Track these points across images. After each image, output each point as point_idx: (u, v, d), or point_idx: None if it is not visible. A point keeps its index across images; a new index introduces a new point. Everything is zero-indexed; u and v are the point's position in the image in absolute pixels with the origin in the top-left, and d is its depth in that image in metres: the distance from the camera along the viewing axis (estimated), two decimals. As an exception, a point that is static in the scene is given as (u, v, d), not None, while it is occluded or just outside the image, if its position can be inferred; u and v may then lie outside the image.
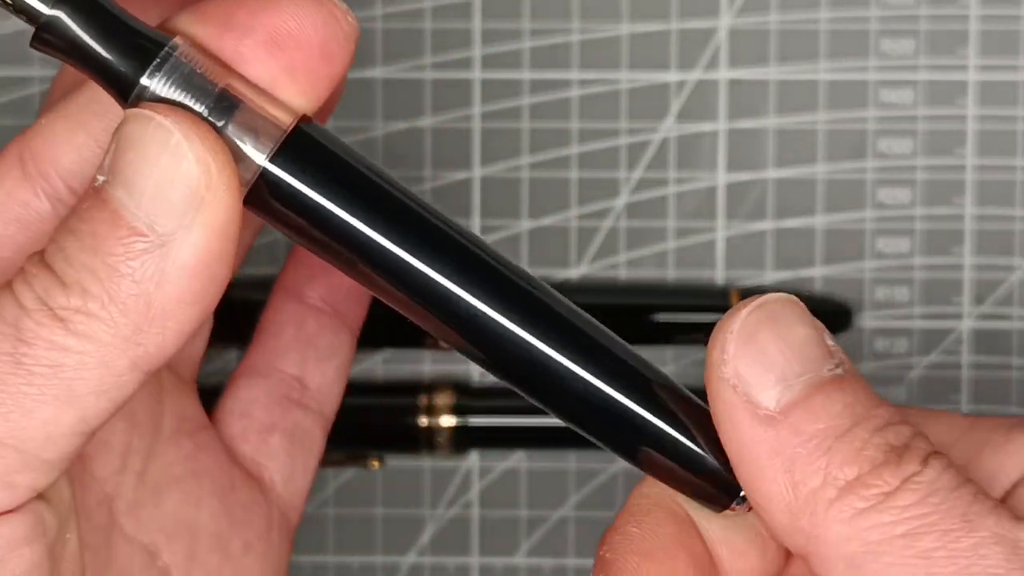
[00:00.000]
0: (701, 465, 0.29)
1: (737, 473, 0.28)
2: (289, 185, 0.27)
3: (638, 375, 0.29)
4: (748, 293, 0.45)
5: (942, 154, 0.45)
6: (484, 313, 0.28)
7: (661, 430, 0.29)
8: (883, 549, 0.26)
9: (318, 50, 0.27)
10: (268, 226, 0.28)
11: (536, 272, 0.45)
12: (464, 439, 0.45)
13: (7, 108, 0.45)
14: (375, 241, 0.27)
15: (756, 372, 0.28)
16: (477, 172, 0.45)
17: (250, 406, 0.37)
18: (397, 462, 0.46)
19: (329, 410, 0.38)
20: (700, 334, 0.45)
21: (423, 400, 0.45)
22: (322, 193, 0.27)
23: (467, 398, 0.45)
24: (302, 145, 0.27)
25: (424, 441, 0.45)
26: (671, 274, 0.45)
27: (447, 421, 0.45)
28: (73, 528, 0.29)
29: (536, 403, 0.29)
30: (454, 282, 0.27)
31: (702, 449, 0.29)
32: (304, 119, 0.27)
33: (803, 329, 0.28)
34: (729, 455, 0.28)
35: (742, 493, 0.29)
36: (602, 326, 0.30)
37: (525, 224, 0.45)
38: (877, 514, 0.27)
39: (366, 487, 0.46)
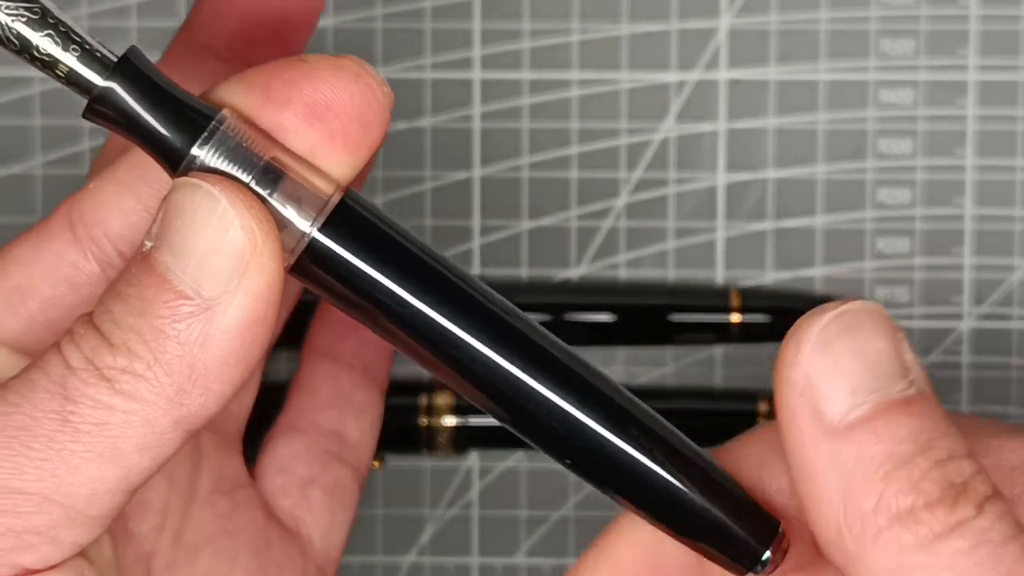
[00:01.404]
0: (728, 535, 0.29)
1: (793, 477, 0.28)
2: (334, 253, 0.28)
3: (692, 459, 0.30)
4: (748, 293, 0.45)
5: (942, 154, 0.45)
6: (528, 385, 0.28)
7: (696, 504, 0.29)
8: None
9: (355, 120, 0.28)
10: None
11: (536, 272, 0.45)
12: (464, 439, 0.45)
13: (7, 108, 0.45)
14: (413, 307, 0.28)
15: (827, 381, 0.27)
16: (477, 172, 0.45)
17: (291, 461, 0.38)
18: (397, 462, 0.46)
19: (364, 466, 0.39)
20: (700, 334, 0.45)
21: (423, 400, 0.45)
22: (365, 261, 0.28)
23: (467, 398, 0.45)
24: (346, 216, 0.28)
25: (424, 441, 0.45)
26: (671, 274, 0.45)
27: (447, 421, 0.45)
28: None
29: (580, 476, 0.30)
30: (491, 348, 0.28)
31: (731, 521, 0.29)
32: (346, 190, 0.28)
33: (881, 343, 0.28)
34: (788, 459, 0.28)
35: (764, 557, 0.29)
36: (659, 417, 0.30)
37: (525, 224, 0.45)
38: (923, 554, 0.26)
39: (366, 487, 0.46)
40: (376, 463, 0.45)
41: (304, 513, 0.37)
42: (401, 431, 0.45)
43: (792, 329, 0.28)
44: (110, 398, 0.27)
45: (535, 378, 0.28)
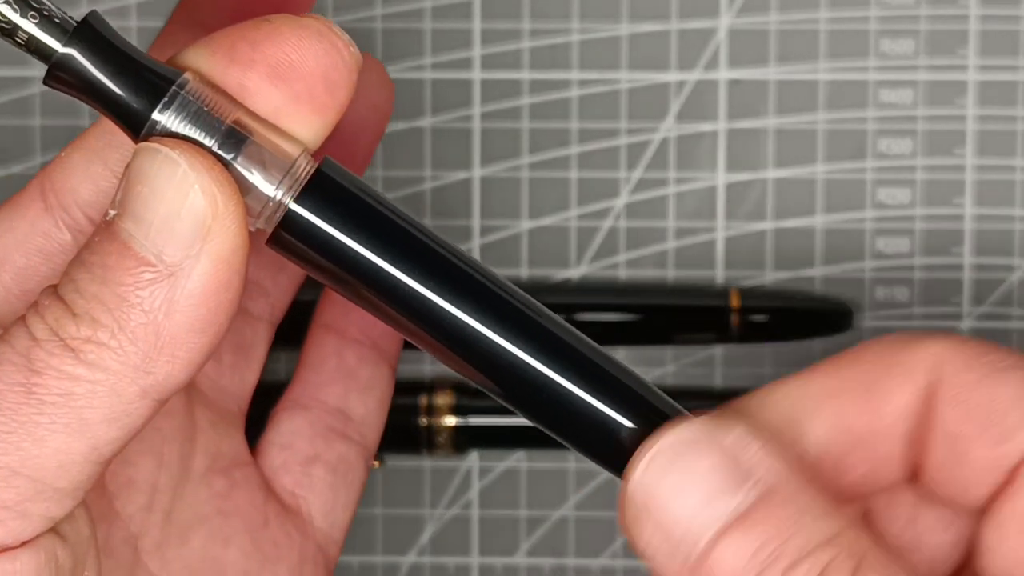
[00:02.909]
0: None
1: None
2: (308, 223, 0.27)
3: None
4: (748, 293, 0.45)
5: (942, 154, 0.45)
6: (506, 349, 0.28)
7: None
8: None
9: (320, 80, 0.28)
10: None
11: (536, 272, 0.45)
12: (464, 439, 0.45)
13: (7, 108, 0.45)
14: (397, 280, 0.28)
15: (660, 538, 0.27)
16: (477, 172, 0.45)
17: (293, 437, 0.37)
18: (397, 462, 0.46)
19: (371, 442, 0.38)
20: (700, 334, 0.45)
21: (423, 400, 0.45)
22: (342, 230, 0.28)
23: (467, 398, 0.45)
24: (321, 185, 0.28)
25: (424, 441, 0.45)
26: (671, 274, 0.45)
27: (447, 421, 0.45)
28: (92, 566, 0.29)
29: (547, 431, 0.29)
30: (458, 307, 0.28)
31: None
32: (320, 157, 0.28)
33: (705, 462, 0.28)
34: None
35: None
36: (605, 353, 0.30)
37: (525, 224, 0.45)
38: None
39: (366, 487, 0.46)
40: (376, 463, 0.45)
41: (305, 491, 0.37)
42: (401, 431, 0.45)
43: (625, 472, 0.28)
44: (74, 368, 0.26)
45: (526, 350, 0.28)
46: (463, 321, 0.28)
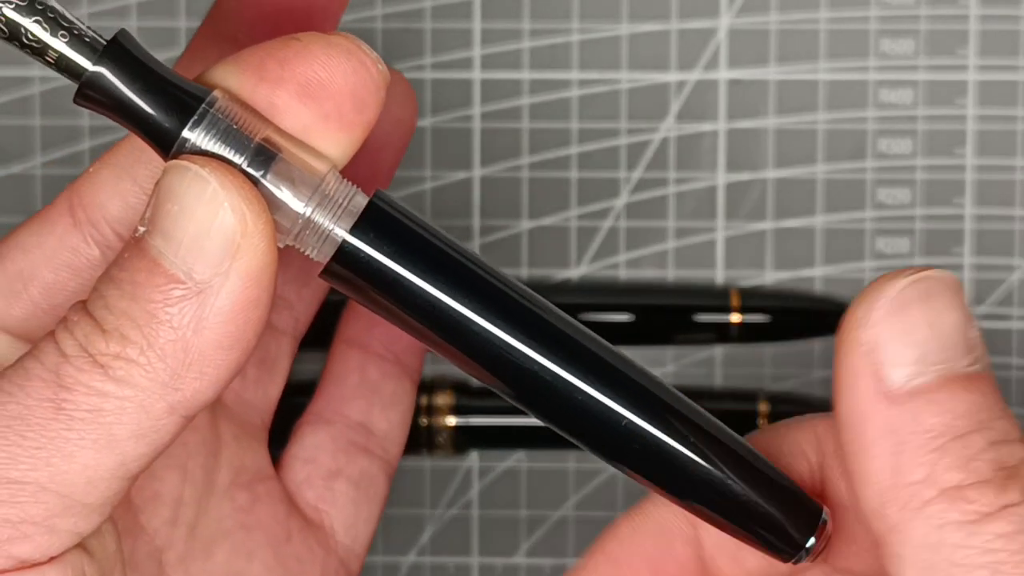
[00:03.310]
0: (772, 523, 0.29)
1: (843, 440, 0.28)
2: (361, 253, 0.27)
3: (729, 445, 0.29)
4: (748, 293, 0.45)
5: (942, 154, 0.45)
6: (553, 372, 0.29)
7: (731, 486, 0.29)
8: (961, 571, 0.26)
9: (349, 98, 0.28)
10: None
11: (536, 272, 0.45)
12: (464, 439, 0.45)
13: (7, 108, 0.45)
14: (443, 305, 0.28)
15: (896, 346, 0.27)
16: (477, 172, 0.45)
17: (316, 452, 0.37)
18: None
19: (394, 456, 0.38)
20: (700, 334, 0.45)
21: (423, 400, 0.45)
22: (395, 261, 0.28)
23: (467, 398, 0.45)
24: (375, 215, 0.28)
25: (424, 441, 0.45)
26: (671, 274, 0.45)
27: (447, 421, 0.45)
28: None
29: (631, 472, 0.29)
30: (485, 319, 0.28)
31: (771, 507, 0.29)
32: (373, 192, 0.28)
33: (954, 316, 0.27)
34: (840, 422, 0.28)
35: (808, 544, 0.29)
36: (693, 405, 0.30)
37: (525, 224, 0.45)
38: (967, 534, 0.26)
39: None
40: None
41: (328, 505, 0.37)
42: (401, 431, 0.45)
43: (864, 291, 0.27)
44: (103, 384, 0.26)
45: (578, 376, 0.28)
46: (513, 349, 0.28)
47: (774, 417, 0.45)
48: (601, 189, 0.45)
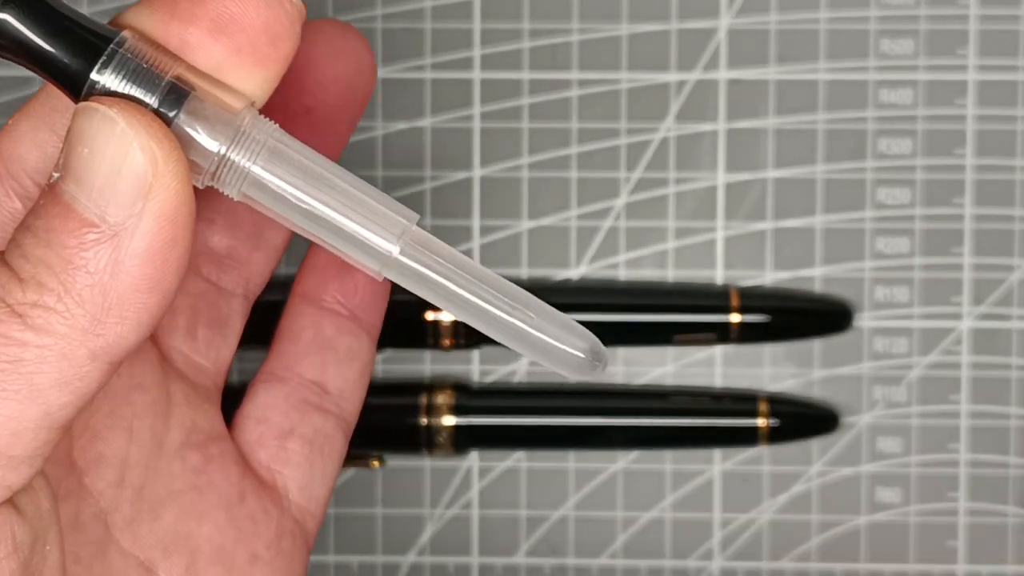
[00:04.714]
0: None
1: None
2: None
3: None
4: (748, 293, 0.45)
5: (942, 154, 0.45)
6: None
7: None
8: None
9: (262, 32, 0.27)
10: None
11: (536, 272, 0.45)
12: (464, 439, 0.45)
13: (7, 108, 0.45)
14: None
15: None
16: (477, 172, 0.45)
17: (268, 411, 0.37)
18: (397, 462, 0.46)
19: (350, 414, 0.38)
20: (700, 334, 0.45)
21: (423, 400, 0.45)
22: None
23: (467, 398, 0.45)
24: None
25: (424, 441, 0.45)
26: (671, 274, 0.45)
27: (447, 421, 0.45)
28: (55, 541, 0.29)
29: None
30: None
31: None
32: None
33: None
34: None
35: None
36: None
37: (525, 224, 0.45)
38: None
39: (366, 487, 0.46)
40: (375, 463, 0.45)
41: (281, 465, 0.36)
42: (401, 431, 0.45)
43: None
44: (22, 334, 0.26)
45: None
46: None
47: (774, 417, 0.45)
48: (601, 189, 0.45)
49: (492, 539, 0.46)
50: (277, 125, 0.28)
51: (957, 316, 0.45)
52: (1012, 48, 0.45)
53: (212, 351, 0.36)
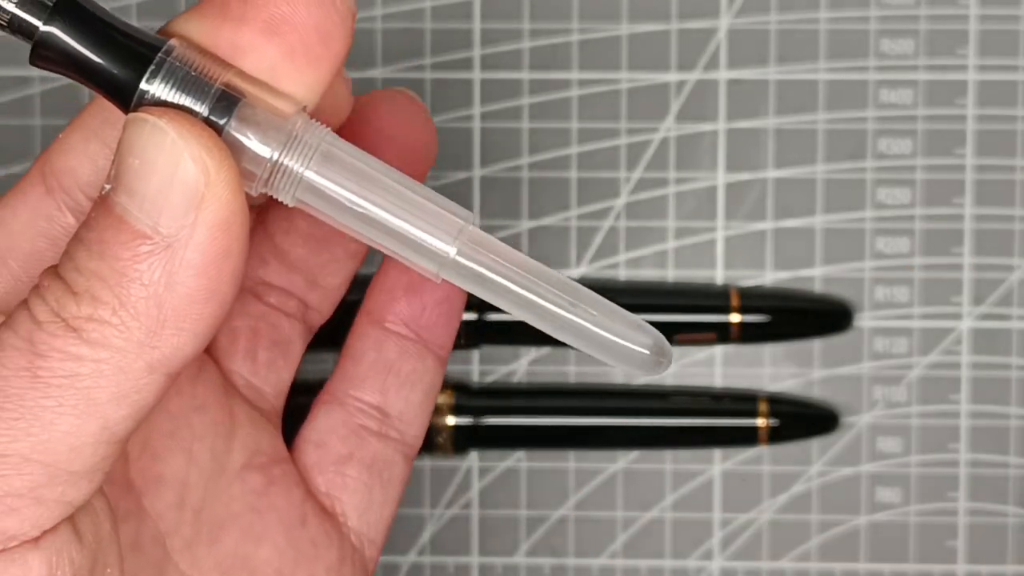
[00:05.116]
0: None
1: None
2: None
3: None
4: (748, 293, 0.45)
5: (942, 154, 0.45)
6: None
7: None
8: None
9: (314, 31, 0.27)
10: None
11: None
12: (464, 439, 0.45)
13: (7, 108, 0.45)
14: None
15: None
16: (477, 172, 0.45)
17: (327, 435, 0.36)
18: (397, 462, 0.46)
19: (413, 437, 0.37)
20: (700, 334, 0.45)
21: (423, 400, 0.45)
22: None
23: (467, 398, 0.45)
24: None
25: (424, 441, 0.45)
26: (671, 274, 0.45)
27: (447, 421, 0.45)
28: (115, 563, 0.29)
29: None
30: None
31: None
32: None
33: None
34: None
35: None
36: None
37: (525, 224, 0.45)
38: None
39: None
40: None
41: (339, 491, 0.36)
42: (401, 431, 0.45)
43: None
44: (78, 348, 0.26)
45: None
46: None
47: (774, 417, 0.45)
48: (601, 189, 0.45)
49: (492, 539, 0.46)
50: (329, 128, 0.27)
51: (957, 316, 0.45)
52: (1012, 48, 0.45)
53: (273, 374, 0.36)
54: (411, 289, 0.36)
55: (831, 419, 0.45)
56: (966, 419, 0.45)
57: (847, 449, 0.45)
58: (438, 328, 0.37)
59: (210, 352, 0.35)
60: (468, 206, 0.45)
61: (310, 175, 0.27)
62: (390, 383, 0.37)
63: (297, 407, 0.37)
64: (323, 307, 0.37)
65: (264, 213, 0.35)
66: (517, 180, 0.45)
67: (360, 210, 0.27)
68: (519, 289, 0.28)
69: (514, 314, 0.28)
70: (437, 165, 0.45)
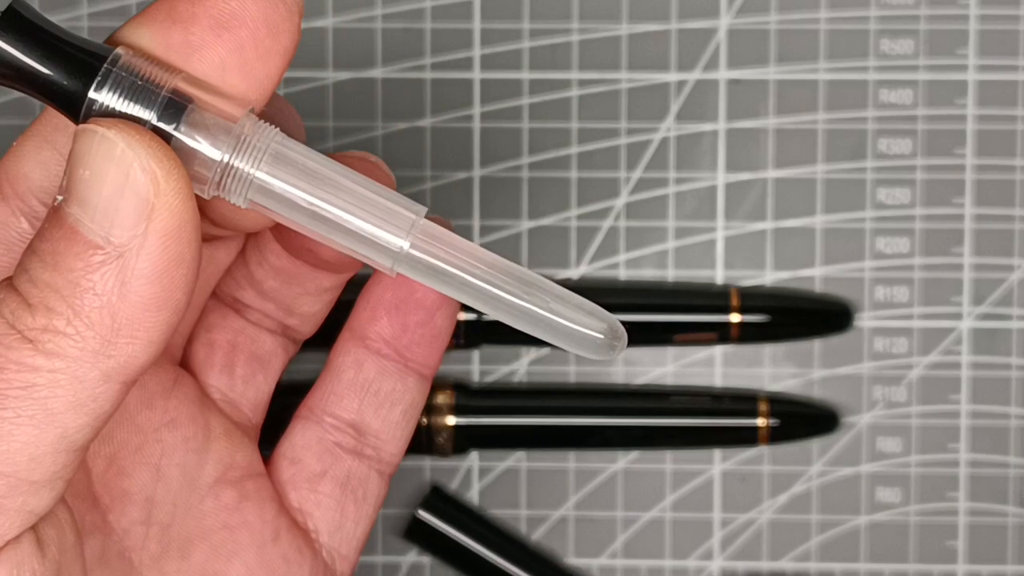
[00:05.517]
0: None
1: None
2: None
3: None
4: (748, 293, 0.45)
5: (942, 154, 0.45)
6: None
7: None
8: None
9: (263, 25, 0.27)
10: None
11: (536, 272, 0.45)
12: (464, 439, 0.45)
13: (7, 108, 0.45)
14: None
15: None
16: (477, 172, 0.45)
17: (302, 452, 0.36)
18: (397, 462, 0.46)
19: (390, 455, 0.37)
20: (700, 334, 0.45)
21: (423, 400, 0.45)
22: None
23: (467, 398, 0.45)
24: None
25: (424, 441, 0.45)
26: (671, 274, 0.45)
27: (447, 421, 0.45)
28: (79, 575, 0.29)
29: None
30: None
31: None
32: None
33: None
34: None
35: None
36: None
37: (525, 224, 0.45)
38: None
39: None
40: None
41: (311, 507, 0.36)
42: (401, 431, 0.45)
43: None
44: (33, 359, 0.26)
45: None
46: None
47: (774, 417, 0.45)
48: (601, 189, 0.45)
49: (492, 539, 0.46)
50: (278, 129, 0.27)
51: (957, 316, 0.45)
52: (1012, 48, 0.45)
53: (251, 389, 0.36)
54: (393, 309, 0.36)
55: (831, 419, 0.45)
56: (966, 419, 0.45)
57: (847, 449, 0.45)
58: (420, 348, 0.37)
59: (187, 365, 0.36)
60: (468, 206, 0.45)
61: (261, 176, 0.27)
62: (367, 402, 0.37)
63: (284, 407, 0.37)
64: (304, 328, 0.37)
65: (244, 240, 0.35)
66: (517, 180, 0.45)
67: (312, 208, 0.27)
68: (474, 280, 0.28)
69: (471, 305, 0.28)
70: (437, 165, 0.45)
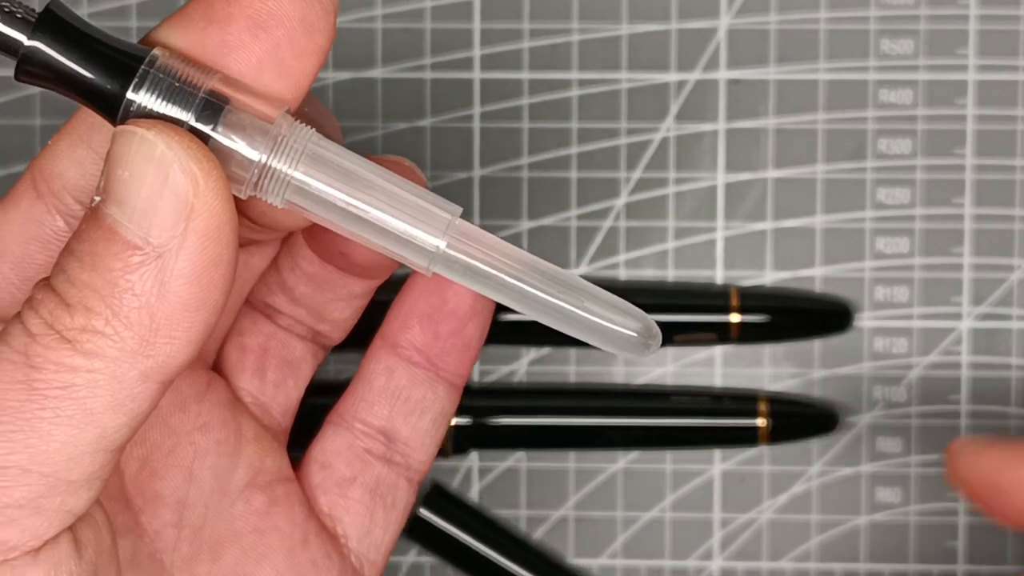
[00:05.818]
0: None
1: None
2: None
3: None
4: (748, 293, 0.45)
5: (942, 154, 0.45)
6: None
7: None
8: None
9: (299, 24, 0.27)
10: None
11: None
12: (464, 439, 0.45)
13: (7, 108, 0.45)
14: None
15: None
16: (477, 172, 0.45)
17: (332, 457, 0.37)
18: (397, 462, 0.46)
19: (419, 463, 0.37)
20: (700, 334, 0.45)
21: (423, 400, 0.45)
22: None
23: (467, 398, 0.45)
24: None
25: (424, 441, 0.45)
26: (671, 274, 0.45)
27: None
28: None
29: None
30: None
31: None
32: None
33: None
34: None
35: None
36: None
37: (525, 224, 0.45)
38: None
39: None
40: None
41: (341, 512, 0.36)
42: (401, 431, 0.45)
43: None
44: (72, 359, 0.26)
45: None
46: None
47: (774, 417, 0.45)
48: (601, 189, 0.45)
49: (492, 539, 0.46)
50: (314, 129, 0.28)
51: (957, 316, 0.45)
52: (1012, 48, 0.45)
53: (281, 393, 0.36)
54: (426, 317, 0.36)
55: (831, 419, 0.45)
56: (966, 419, 0.45)
57: (847, 449, 0.45)
58: (451, 357, 0.37)
59: (219, 369, 0.36)
60: (468, 206, 0.45)
61: (298, 176, 0.27)
62: (398, 409, 0.37)
63: (309, 409, 0.37)
64: (334, 334, 0.37)
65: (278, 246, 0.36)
66: (517, 180, 0.45)
67: (349, 209, 0.27)
68: (510, 279, 0.28)
69: (507, 304, 0.28)
70: (437, 165, 0.45)
